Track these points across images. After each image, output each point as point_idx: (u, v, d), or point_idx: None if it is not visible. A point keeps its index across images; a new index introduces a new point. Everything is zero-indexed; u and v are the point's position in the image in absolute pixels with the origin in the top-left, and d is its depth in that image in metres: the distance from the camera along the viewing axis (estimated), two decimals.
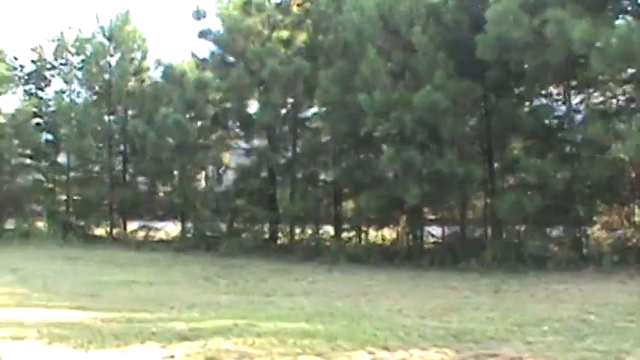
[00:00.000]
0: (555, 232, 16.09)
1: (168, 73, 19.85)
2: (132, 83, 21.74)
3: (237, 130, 19.76)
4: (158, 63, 21.76)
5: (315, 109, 19.10)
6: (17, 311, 9.22)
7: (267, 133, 18.76)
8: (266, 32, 18.62)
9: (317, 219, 18.20)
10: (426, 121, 13.84)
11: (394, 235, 18.04)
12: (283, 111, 18.36)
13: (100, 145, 22.09)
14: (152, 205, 21.88)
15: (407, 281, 13.32)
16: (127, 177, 22.22)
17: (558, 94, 16.00)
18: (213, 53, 18.61)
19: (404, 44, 15.22)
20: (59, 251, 18.57)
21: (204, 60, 19.37)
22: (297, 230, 19.07)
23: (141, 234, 21.72)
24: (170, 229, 22.06)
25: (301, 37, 18.81)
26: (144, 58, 22.23)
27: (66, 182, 22.66)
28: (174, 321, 8.68)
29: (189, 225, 21.05)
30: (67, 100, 22.16)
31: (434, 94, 13.61)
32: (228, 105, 19.30)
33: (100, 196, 22.02)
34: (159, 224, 22.28)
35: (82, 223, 22.29)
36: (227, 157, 20.40)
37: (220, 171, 19.99)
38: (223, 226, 19.79)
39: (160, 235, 21.89)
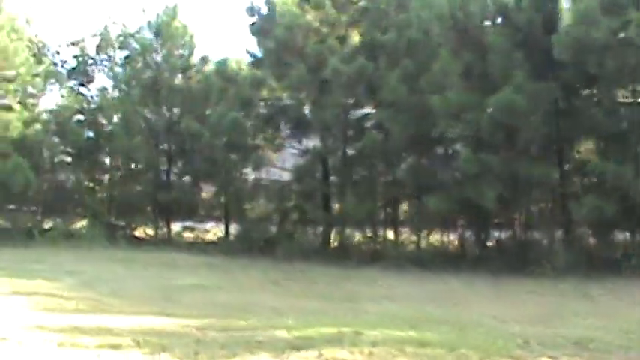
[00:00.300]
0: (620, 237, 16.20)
1: (222, 69, 19.98)
2: (179, 80, 21.87)
3: (290, 130, 19.91)
4: (204, 60, 21.91)
5: (366, 110, 19.21)
6: (98, 317, 9.33)
7: (322, 133, 18.91)
8: (324, 30, 18.73)
9: (374, 221, 18.21)
10: (503, 122, 13.92)
11: (452, 239, 18.25)
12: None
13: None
14: (198, 206, 21.94)
15: (484, 286, 13.55)
16: (172, 177, 22.42)
17: (625, 97, 16.03)
18: (268, 51, 18.64)
19: (473, 44, 15.31)
20: (108, 253, 18.78)
21: (258, 57, 19.37)
22: (349, 233, 19.21)
23: (186, 235, 21.91)
24: (215, 230, 22.27)
25: (356, 36, 18.88)
26: (191, 54, 22.40)
27: (108, 181, 22.92)
28: (273, 328, 8.71)
29: (235, 227, 21.22)
30: (111, 97, 22.30)
31: (512, 95, 13.69)
32: (282, 104, 19.35)
33: (144, 196, 22.24)
34: (202, 225, 22.52)
35: (124, 224, 22.49)
36: (274, 157, 20.59)
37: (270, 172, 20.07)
38: (272, 229, 19.98)
39: (207, 237, 22.14)
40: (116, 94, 22.34)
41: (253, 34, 19.39)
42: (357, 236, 19.35)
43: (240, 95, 19.03)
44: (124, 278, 14.00)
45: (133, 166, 22.68)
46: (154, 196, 21.73)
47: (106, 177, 22.98)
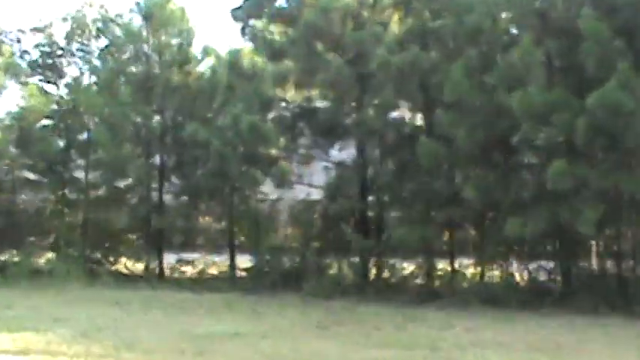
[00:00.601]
0: None
1: (235, 62, 19.92)
2: (176, 76, 21.81)
3: (318, 137, 19.95)
4: (206, 51, 21.78)
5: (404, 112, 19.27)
6: None
7: (362, 140, 18.98)
8: (365, 13, 18.73)
9: (430, 250, 18.40)
10: (605, 127, 13.96)
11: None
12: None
13: None
14: (197, 232, 21.78)
15: (588, 329, 13.64)
16: (165, 196, 22.30)
17: None
18: (293, 40, 18.53)
19: (558, 31, 15.37)
20: (92, 294, 18.70)
21: (279, 47, 19.31)
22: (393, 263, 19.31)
23: (183, 269, 21.92)
24: (217, 262, 22.28)
25: (400, 21, 18.93)
26: (189, 44, 22.33)
27: (83, 203, 22.63)
28: None
29: (247, 257, 21.20)
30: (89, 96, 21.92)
31: (617, 92, 13.74)
32: (310, 105, 19.59)
33: (130, 221, 22.18)
34: (201, 256, 22.51)
35: (102, 256, 22.37)
36: (299, 171, 20.47)
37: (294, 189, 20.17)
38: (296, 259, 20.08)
39: (210, 270, 22.16)
40: (94, 92, 22.03)
41: (273, 19, 19.23)
42: (405, 268, 19.41)
43: (259, 94, 18.99)
44: (129, 326, 13.87)
45: (118, 183, 22.38)
46: (144, 220, 21.62)
47: (81, 197, 22.74)
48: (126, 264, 22.85)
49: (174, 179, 22.28)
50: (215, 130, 19.55)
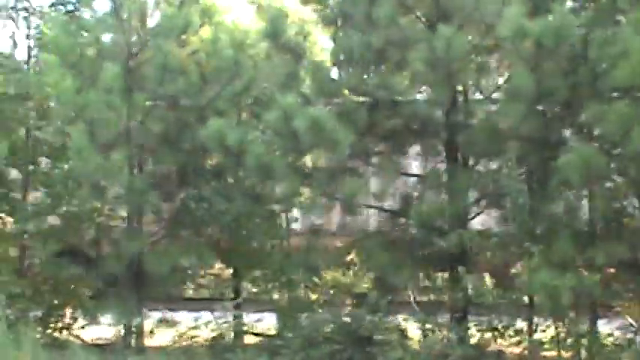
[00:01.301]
0: None
1: (278, 28, 18.92)
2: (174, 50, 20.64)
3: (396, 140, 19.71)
4: (208, 13, 20.82)
5: None
6: None
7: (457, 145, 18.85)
8: None
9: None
10: None
11: None
12: None
13: None
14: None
15: None
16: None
17: None
18: None
19: None
20: None
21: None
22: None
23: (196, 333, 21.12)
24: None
25: None
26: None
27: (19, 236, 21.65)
28: None
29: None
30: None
31: None
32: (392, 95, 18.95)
33: (102, 262, 20.90)
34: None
35: (50, 314, 21.43)
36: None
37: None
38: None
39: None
40: (59, 71, 20.15)
41: None
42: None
43: (318, 77, 18.41)
44: None
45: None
46: (122, 262, 20.47)
47: (23, 228, 21.48)
48: (70, 328, 21.94)
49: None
50: (248, 128, 19.19)
